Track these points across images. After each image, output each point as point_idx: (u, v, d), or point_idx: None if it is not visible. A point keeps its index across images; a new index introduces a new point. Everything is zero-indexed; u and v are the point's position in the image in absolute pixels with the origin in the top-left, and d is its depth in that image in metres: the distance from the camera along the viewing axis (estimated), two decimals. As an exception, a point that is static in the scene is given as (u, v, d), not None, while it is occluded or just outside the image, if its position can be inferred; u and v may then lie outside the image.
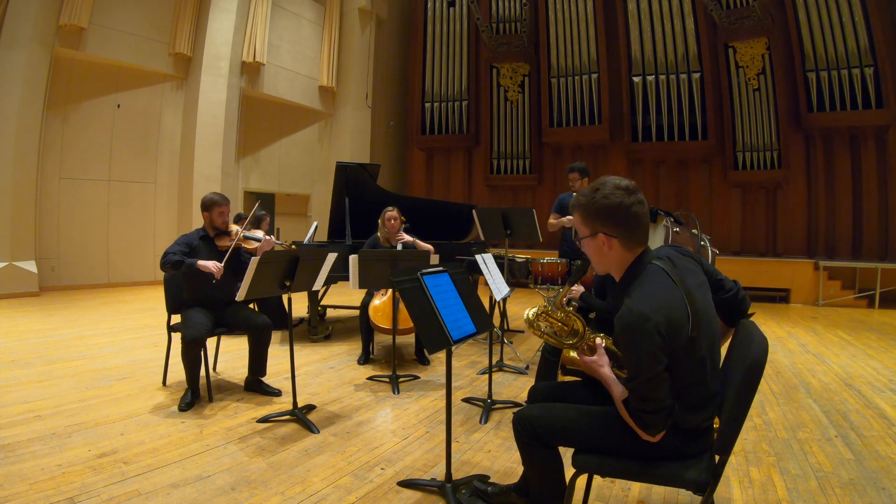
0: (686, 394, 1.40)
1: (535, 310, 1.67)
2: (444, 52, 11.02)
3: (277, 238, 3.81)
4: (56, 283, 7.56)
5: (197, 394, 3.10)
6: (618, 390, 1.46)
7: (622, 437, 1.49)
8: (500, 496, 2.01)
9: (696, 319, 1.35)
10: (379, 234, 4.42)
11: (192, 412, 2.96)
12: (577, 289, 2.85)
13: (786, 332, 5.89)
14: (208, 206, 3.40)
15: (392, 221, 4.34)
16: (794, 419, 3.05)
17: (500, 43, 10.35)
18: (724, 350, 1.59)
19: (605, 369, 1.51)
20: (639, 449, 1.48)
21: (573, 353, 1.64)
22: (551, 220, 4.70)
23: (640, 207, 1.41)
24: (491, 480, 2.23)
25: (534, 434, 1.58)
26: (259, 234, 3.61)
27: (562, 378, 1.74)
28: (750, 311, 1.64)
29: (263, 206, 5.46)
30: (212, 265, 3.17)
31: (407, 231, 4.55)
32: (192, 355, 3.03)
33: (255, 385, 3.37)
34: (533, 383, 2.24)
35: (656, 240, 3.41)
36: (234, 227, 3.51)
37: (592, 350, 1.59)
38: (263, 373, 3.37)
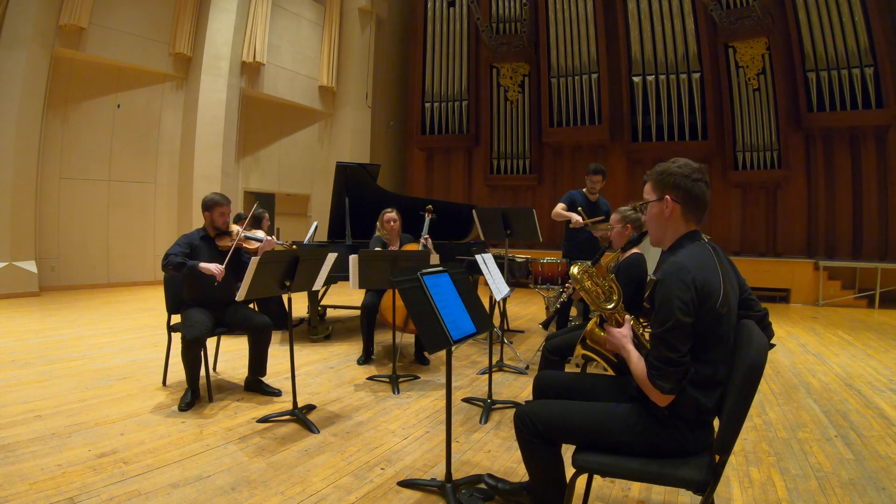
0: (697, 367, 1.44)
1: (581, 266, 1.75)
2: (444, 52, 11.02)
3: (278, 238, 3.81)
4: (56, 283, 7.56)
5: (197, 394, 3.10)
6: (635, 355, 1.53)
7: (625, 432, 1.51)
8: (511, 494, 2.01)
9: (726, 299, 1.44)
10: (378, 234, 4.40)
11: (192, 412, 2.96)
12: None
13: (786, 332, 5.89)
14: (209, 206, 3.39)
15: (391, 223, 4.32)
16: (794, 419, 3.05)
17: (500, 43, 10.35)
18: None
19: (629, 341, 1.58)
20: (641, 444, 1.49)
21: (598, 330, 1.71)
22: (558, 209, 4.56)
23: (705, 188, 1.57)
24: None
25: (535, 430, 1.59)
26: (260, 234, 3.61)
27: (580, 352, 1.77)
28: (771, 343, 1.65)
29: (262, 206, 5.44)
30: (214, 267, 3.17)
31: (433, 224, 4.50)
32: (193, 355, 3.03)
33: (255, 385, 3.37)
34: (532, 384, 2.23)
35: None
36: (234, 228, 3.51)
37: (620, 324, 1.66)
38: (263, 373, 3.37)
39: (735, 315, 1.53)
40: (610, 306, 1.69)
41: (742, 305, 1.63)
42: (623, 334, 1.60)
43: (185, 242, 3.32)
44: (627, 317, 1.67)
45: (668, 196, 1.57)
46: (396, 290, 4.02)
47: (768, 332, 1.66)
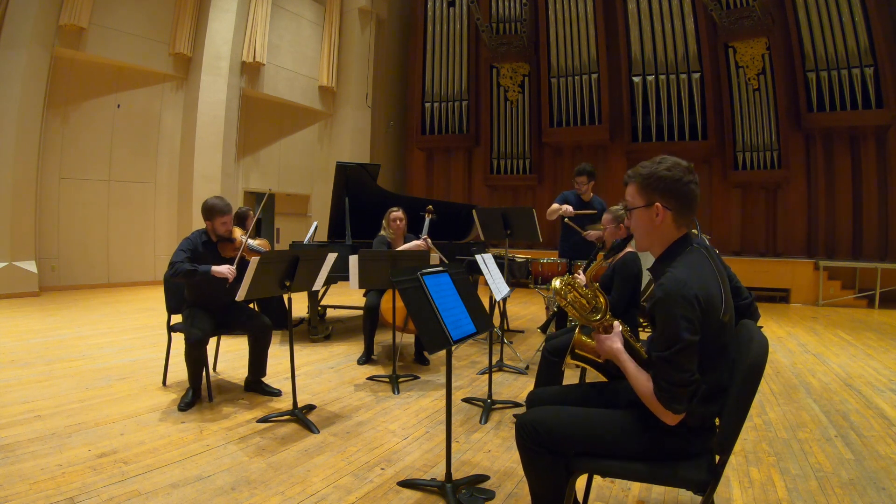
0: (703, 380, 1.39)
1: (563, 279, 1.69)
2: (444, 52, 11.02)
3: (277, 239, 3.80)
4: (56, 283, 7.55)
5: (198, 394, 3.10)
6: (632, 366, 1.46)
7: (630, 440, 1.48)
8: None
9: (728, 305, 1.40)
10: (383, 232, 4.40)
11: (192, 412, 2.96)
12: (583, 278, 2.87)
13: (786, 332, 5.89)
14: (210, 215, 3.26)
15: (398, 222, 4.32)
16: (794, 419, 3.05)
17: (500, 43, 10.35)
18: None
19: (620, 345, 1.52)
20: (643, 450, 1.47)
21: (585, 338, 1.66)
22: (554, 207, 4.55)
23: (697, 188, 1.45)
24: (491, 480, 2.23)
25: (538, 439, 1.54)
26: (259, 246, 3.52)
27: (570, 362, 1.72)
28: (759, 324, 1.65)
29: (262, 208, 5.35)
30: (225, 269, 3.10)
31: (432, 224, 4.49)
32: (195, 356, 3.03)
33: (255, 385, 3.36)
34: (533, 383, 2.23)
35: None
36: (238, 234, 3.42)
37: (608, 330, 1.59)
38: (263, 373, 3.37)
39: (734, 318, 1.49)
40: (597, 317, 1.62)
41: (732, 294, 1.58)
42: (613, 342, 1.54)
43: (188, 248, 3.22)
44: (616, 323, 1.62)
45: (657, 203, 1.45)
46: (396, 290, 4.08)
47: (755, 315, 1.65)
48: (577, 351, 1.68)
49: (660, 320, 1.37)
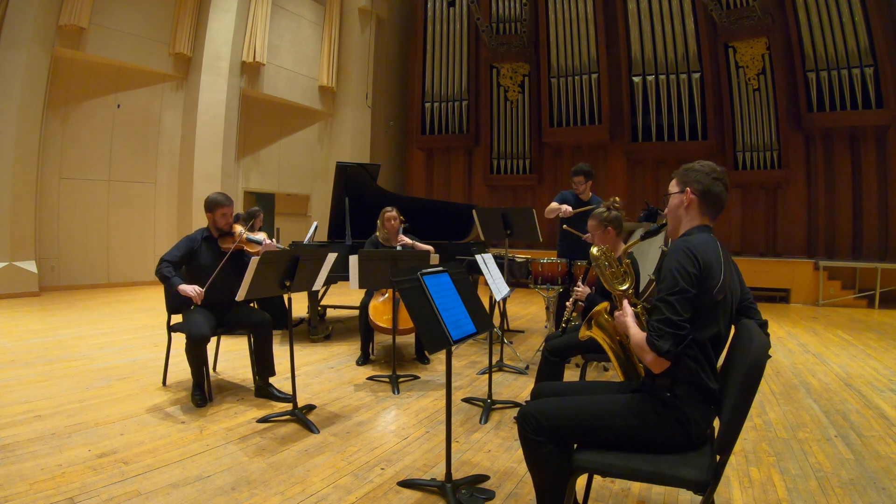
0: (694, 346, 1.49)
1: (600, 248, 1.91)
2: (444, 52, 11.02)
3: (278, 239, 3.80)
4: (56, 283, 7.55)
5: (204, 389, 3.10)
6: (636, 328, 1.59)
7: (628, 417, 1.54)
8: None
9: (724, 286, 1.52)
10: (378, 234, 4.41)
11: (192, 412, 2.96)
12: (584, 289, 2.88)
13: (786, 332, 5.89)
14: (211, 207, 3.33)
15: (392, 222, 4.34)
16: (794, 419, 3.05)
17: (500, 43, 10.35)
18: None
19: (633, 318, 1.65)
20: (645, 429, 1.52)
21: (606, 316, 1.79)
22: (553, 206, 4.51)
23: (724, 189, 1.68)
24: (491, 480, 2.23)
25: (539, 428, 1.58)
26: (261, 236, 3.53)
27: (585, 333, 1.81)
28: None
29: (261, 206, 5.43)
30: (191, 290, 3.04)
31: (406, 231, 4.54)
32: (197, 353, 3.03)
33: (266, 391, 3.28)
34: (533, 384, 2.23)
35: (656, 239, 3.41)
36: (238, 228, 3.44)
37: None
38: (272, 371, 3.30)
39: (731, 308, 1.59)
40: (623, 287, 1.80)
41: (742, 312, 1.68)
42: (627, 312, 1.67)
43: (184, 246, 3.25)
44: (634, 301, 1.74)
45: (688, 189, 1.68)
46: (390, 291, 4.07)
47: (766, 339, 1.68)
48: (593, 323, 1.79)
49: (663, 271, 1.54)
